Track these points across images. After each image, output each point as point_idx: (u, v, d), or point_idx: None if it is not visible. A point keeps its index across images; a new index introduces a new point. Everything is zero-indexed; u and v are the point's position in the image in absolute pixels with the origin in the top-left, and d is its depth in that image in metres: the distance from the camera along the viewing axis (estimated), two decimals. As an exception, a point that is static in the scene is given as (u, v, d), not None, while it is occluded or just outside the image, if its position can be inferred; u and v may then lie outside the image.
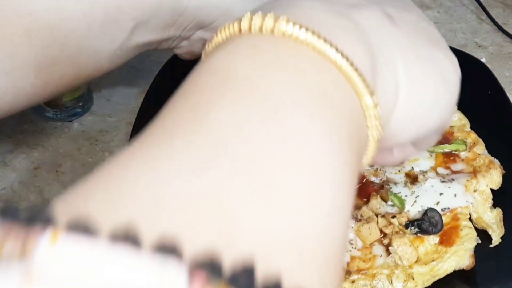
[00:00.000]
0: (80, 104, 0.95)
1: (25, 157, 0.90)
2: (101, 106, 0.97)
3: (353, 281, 0.73)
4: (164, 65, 0.98)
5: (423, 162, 0.85)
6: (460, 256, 0.75)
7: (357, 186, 0.81)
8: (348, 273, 0.74)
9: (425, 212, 0.78)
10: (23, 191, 0.86)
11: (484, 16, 1.16)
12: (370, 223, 0.77)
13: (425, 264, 0.75)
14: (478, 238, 0.77)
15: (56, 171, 0.88)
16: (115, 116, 0.96)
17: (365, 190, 0.81)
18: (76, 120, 0.95)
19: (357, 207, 0.80)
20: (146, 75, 1.01)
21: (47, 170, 0.89)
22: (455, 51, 1.02)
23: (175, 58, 0.99)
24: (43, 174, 0.88)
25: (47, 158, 0.90)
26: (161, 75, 0.96)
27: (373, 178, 0.83)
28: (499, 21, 1.14)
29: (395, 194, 0.81)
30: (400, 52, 0.51)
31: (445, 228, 0.78)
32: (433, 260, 0.75)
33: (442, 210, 0.79)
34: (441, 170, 0.84)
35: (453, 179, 0.82)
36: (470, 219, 0.80)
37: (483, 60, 1.04)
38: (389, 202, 0.80)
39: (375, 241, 0.77)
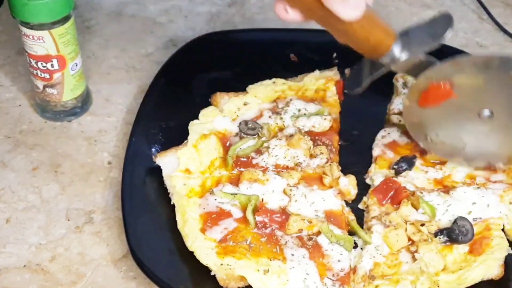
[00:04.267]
0: (79, 104, 0.94)
1: (24, 157, 0.90)
2: (100, 106, 0.97)
3: (376, 286, 0.73)
4: (163, 65, 0.98)
5: (461, 170, 0.84)
6: (488, 265, 0.74)
7: (390, 194, 0.81)
8: (371, 277, 0.74)
9: (455, 221, 0.77)
10: (21, 191, 0.85)
11: (485, 16, 1.16)
12: (398, 230, 0.77)
13: (453, 273, 0.74)
14: (510, 248, 0.76)
15: (55, 171, 0.88)
16: (114, 116, 0.96)
17: (397, 196, 0.81)
18: (75, 120, 0.94)
19: (387, 213, 0.80)
20: (146, 75, 1.01)
21: (46, 170, 0.88)
22: (456, 51, 1.03)
23: (175, 58, 0.99)
24: (42, 174, 0.88)
25: (46, 158, 0.90)
26: (161, 75, 0.96)
27: (405, 184, 0.82)
28: (500, 21, 1.14)
29: (427, 202, 0.80)
30: None
31: (476, 237, 0.77)
32: (461, 269, 0.74)
33: (474, 219, 0.78)
34: (479, 179, 0.83)
35: (489, 188, 0.81)
36: (503, 229, 0.78)
37: (484, 60, 1.04)
38: (420, 210, 0.79)
39: (402, 247, 0.77)
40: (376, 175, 0.84)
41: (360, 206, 0.83)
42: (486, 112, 0.79)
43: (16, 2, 0.82)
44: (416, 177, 0.83)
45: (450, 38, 1.09)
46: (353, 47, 0.72)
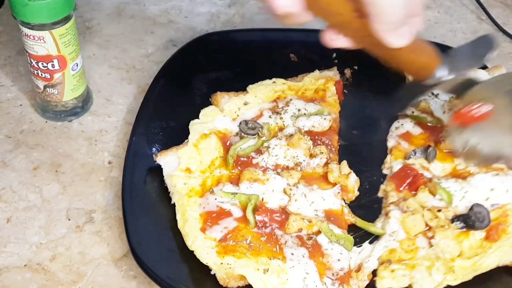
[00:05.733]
0: (80, 104, 0.95)
1: (25, 157, 0.90)
2: (101, 106, 0.97)
3: (392, 271, 0.74)
4: (164, 65, 0.98)
5: None
6: (504, 251, 0.75)
7: (408, 181, 0.81)
8: (388, 262, 0.74)
9: (472, 208, 0.78)
10: (22, 191, 0.86)
11: (484, 16, 1.16)
12: (415, 215, 0.78)
13: (468, 259, 0.75)
14: None
15: (56, 171, 0.88)
16: (115, 116, 0.96)
17: (415, 183, 0.82)
18: (75, 120, 0.95)
19: (404, 199, 0.80)
20: (146, 75, 1.01)
21: (46, 170, 0.88)
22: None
23: (175, 58, 0.99)
24: (43, 174, 0.88)
25: (47, 158, 0.90)
26: (161, 75, 0.96)
27: (422, 171, 0.83)
28: (499, 21, 1.14)
29: (444, 189, 0.81)
30: None
31: (492, 223, 0.77)
32: (476, 255, 0.75)
33: (492, 206, 0.79)
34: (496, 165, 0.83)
35: (508, 174, 0.81)
36: None
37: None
38: (437, 196, 0.80)
39: (419, 233, 0.78)
40: (395, 162, 0.85)
41: (380, 194, 0.84)
42: None
43: (16, 3, 0.83)
44: (434, 167, 0.84)
45: (449, 38, 1.11)
46: (400, 68, 0.75)
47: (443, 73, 0.74)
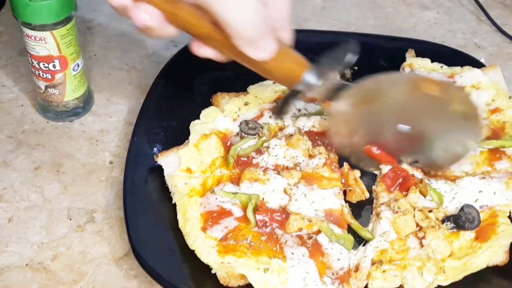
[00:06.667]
0: (81, 104, 0.95)
1: (26, 157, 0.90)
2: (102, 106, 0.98)
3: (383, 271, 0.74)
4: (164, 66, 0.98)
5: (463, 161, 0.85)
6: (494, 251, 0.75)
7: (399, 181, 0.82)
8: (379, 262, 0.74)
9: (462, 208, 0.79)
10: (24, 191, 0.86)
11: (484, 17, 1.16)
12: (406, 215, 0.78)
13: (459, 259, 0.75)
14: None
15: (57, 171, 0.89)
16: (116, 116, 0.96)
17: (405, 184, 0.82)
18: (76, 120, 0.95)
19: (395, 200, 0.81)
20: (146, 75, 1.02)
21: (47, 170, 0.89)
22: (455, 51, 1.03)
23: (176, 59, 0.99)
24: (44, 174, 0.88)
25: (48, 158, 0.90)
26: (161, 76, 0.96)
27: (412, 172, 0.83)
28: (498, 22, 1.15)
29: (434, 189, 0.81)
30: None
31: (482, 224, 0.78)
32: (467, 255, 0.75)
33: (481, 207, 0.80)
34: (483, 167, 0.84)
35: (494, 177, 0.82)
36: (509, 216, 0.80)
37: (482, 60, 1.05)
38: (428, 197, 0.81)
39: (410, 233, 0.78)
40: (383, 165, 0.85)
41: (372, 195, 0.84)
42: (404, 128, 0.83)
43: (18, 3, 0.83)
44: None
45: (449, 39, 1.11)
46: (270, 78, 0.78)
47: (310, 78, 0.76)
